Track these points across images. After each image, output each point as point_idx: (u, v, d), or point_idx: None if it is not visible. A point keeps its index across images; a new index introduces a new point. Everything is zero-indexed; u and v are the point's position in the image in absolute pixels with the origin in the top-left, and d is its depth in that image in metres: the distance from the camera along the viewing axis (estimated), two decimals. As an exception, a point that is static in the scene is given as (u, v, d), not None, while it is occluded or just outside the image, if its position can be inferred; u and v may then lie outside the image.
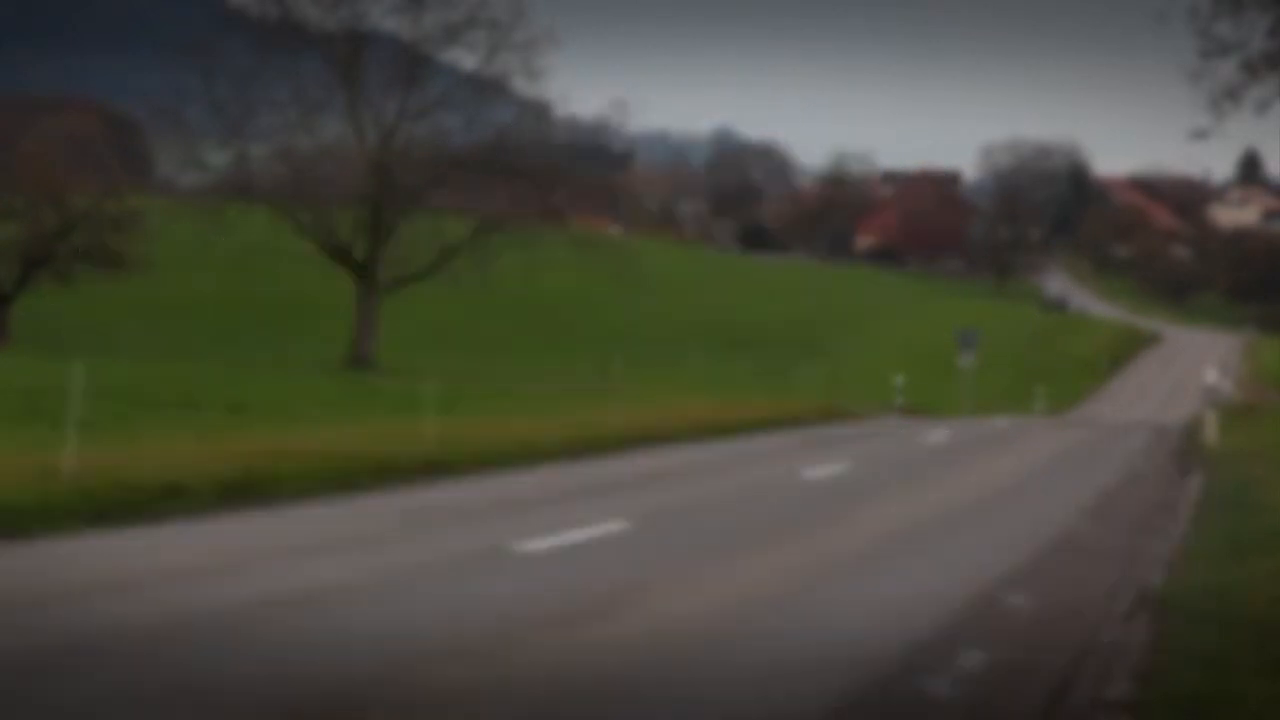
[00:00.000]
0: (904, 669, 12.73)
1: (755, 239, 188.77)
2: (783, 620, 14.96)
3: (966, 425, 58.54)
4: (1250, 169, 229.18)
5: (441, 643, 13.07)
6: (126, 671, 11.70)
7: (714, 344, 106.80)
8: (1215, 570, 17.65)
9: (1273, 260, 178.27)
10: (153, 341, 79.79)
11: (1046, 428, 59.10)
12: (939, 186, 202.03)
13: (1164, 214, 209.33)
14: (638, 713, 11.27)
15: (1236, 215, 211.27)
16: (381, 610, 14.58)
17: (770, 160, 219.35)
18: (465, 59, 80.00)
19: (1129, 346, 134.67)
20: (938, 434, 49.54)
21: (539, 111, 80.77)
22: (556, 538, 19.42)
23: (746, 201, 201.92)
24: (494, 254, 74.93)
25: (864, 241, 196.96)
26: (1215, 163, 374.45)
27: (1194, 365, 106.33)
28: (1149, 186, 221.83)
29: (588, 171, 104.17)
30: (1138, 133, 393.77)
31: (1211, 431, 45.37)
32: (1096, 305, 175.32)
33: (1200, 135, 25.21)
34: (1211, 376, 57.56)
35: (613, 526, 20.97)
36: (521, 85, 78.13)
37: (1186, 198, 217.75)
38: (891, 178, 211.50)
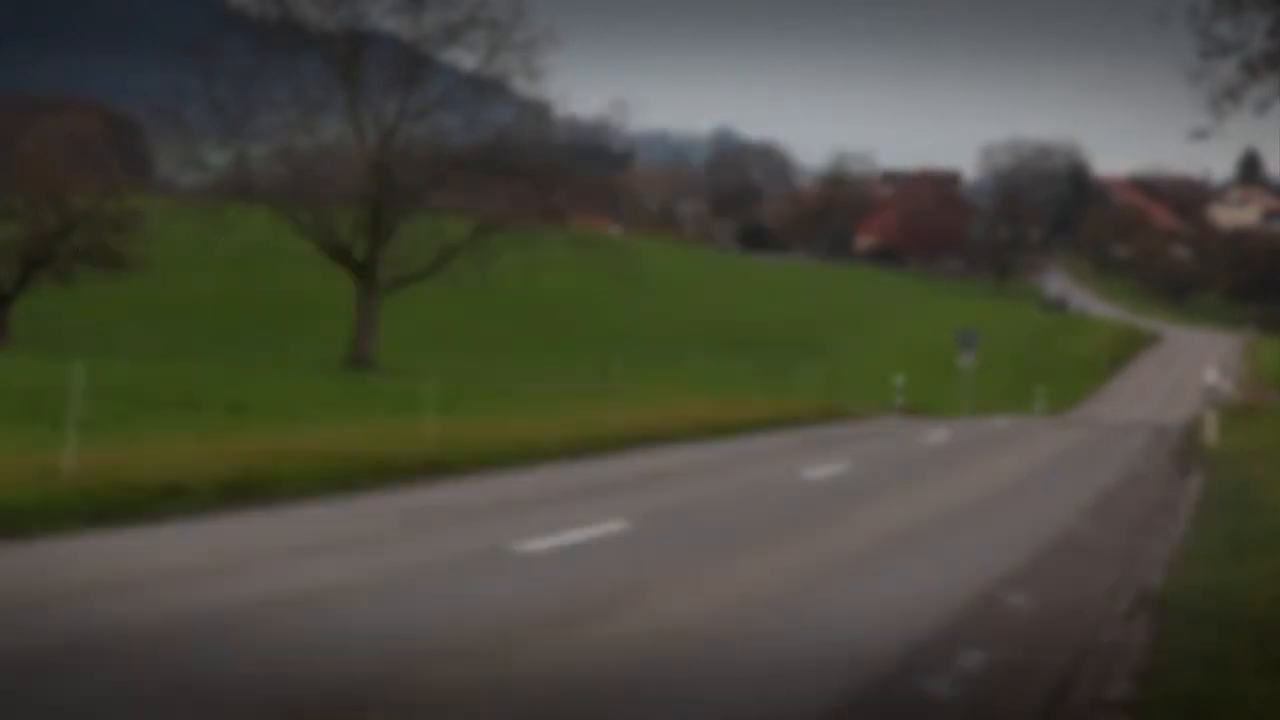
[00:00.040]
0: (904, 669, 12.73)
1: (755, 239, 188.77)
2: (783, 620, 14.96)
3: (966, 425, 58.54)
4: (1250, 169, 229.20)
5: (441, 643, 13.07)
6: (126, 671, 11.70)
7: (714, 344, 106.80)
8: (1215, 570, 17.65)
9: (1273, 260, 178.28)
10: (153, 341, 79.79)
11: (1046, 428, 59.10)
12: (939, 186, 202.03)
13: (1164, 214, 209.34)
14: (638, 713, 11.27)
15: (1236, 215, 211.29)
16: (381, 610, 14.58)
17: (770, 160, 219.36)
18: (465, 59, 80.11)
19: (1129, 346, 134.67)
20: (938, 434, 49.53)
21: (539, 111, 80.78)
22: (556, 538, 19.42)
23: (746, 201, 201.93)
24: (494, 254, 74.92)
25: (864, 241, 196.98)
26: (1215, 163, 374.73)
27: (1194, 365, 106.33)
28: (1149, 186, 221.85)
29: (588, 171, 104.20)
30: (1138, 133, 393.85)
31: (1211, 431, 45.37)
32: (1096, 305, 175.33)
33: (1200, 135, 25.21)
34: (1211, 376, 57.56)
35: (613, 526, 20.97)
36: (521, 85, 78.22)
37: (1186, 198, 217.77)
38: (891, 178, 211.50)
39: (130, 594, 14.84)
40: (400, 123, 76.98)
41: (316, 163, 77.41)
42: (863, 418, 61.55)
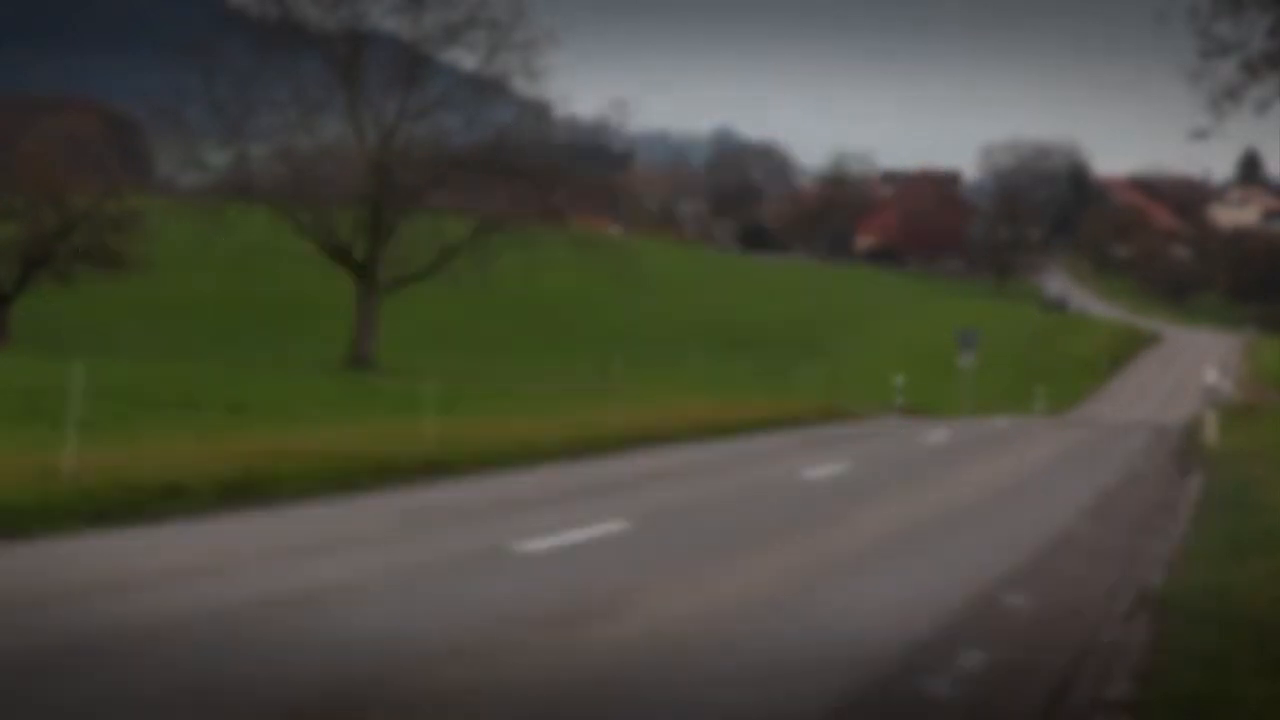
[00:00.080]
0: (904, 669, 12.73)
1: (755, 239, 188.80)
2: (783, 620, 14.96)
3: (966, 425, 58.54)
4: (1250, 169, 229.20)
5: (441, 643, 13.07)
6: (126, 671, 11.70)
7: (714, 344, 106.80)
8: (1215, 570, 17.65)
9: (1273, 260, 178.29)
10: (153, 341, 79.79)
11: (1046, 428, 59.11)
12: (939, 186, 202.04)
13: (1164, 214, 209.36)
14: (638, 713, 11.27)
15: (1236, 215, 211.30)
16: (381, 610, 14.58)
17: (770, 160, 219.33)
18: (465, 59, 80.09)
19: (1129, 346, 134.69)
20: (938, 434, 49.53)
21: (539, 111, 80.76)
22: (556, 538, 19.42)
23: (746, 201, 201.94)
24: (494, 254, 74.92)
25: (864, 241, 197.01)
26: (1215, 163, 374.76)
27: (1194, 365, 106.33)
28: (1149, 186, 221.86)
29: (588, 171, 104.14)
30: (1138, 133, 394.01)
31: (1211, 431, 45.37)
32: (1096, 305, 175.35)
33: (1200, 135, 25.22)
34: (1211, 376, 57.56)
35: (613, 526, 20.97)
36: (521, 85, 78.21)
37: (1186, 198, 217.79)
38: (891, 178, 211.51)
39: (130, 594, 14.84)
40: (400, 123, 76.98)
41: (316, 163, 77.41)
42: (863, 418, 61.54)
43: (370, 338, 75.20)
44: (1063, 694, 12.02)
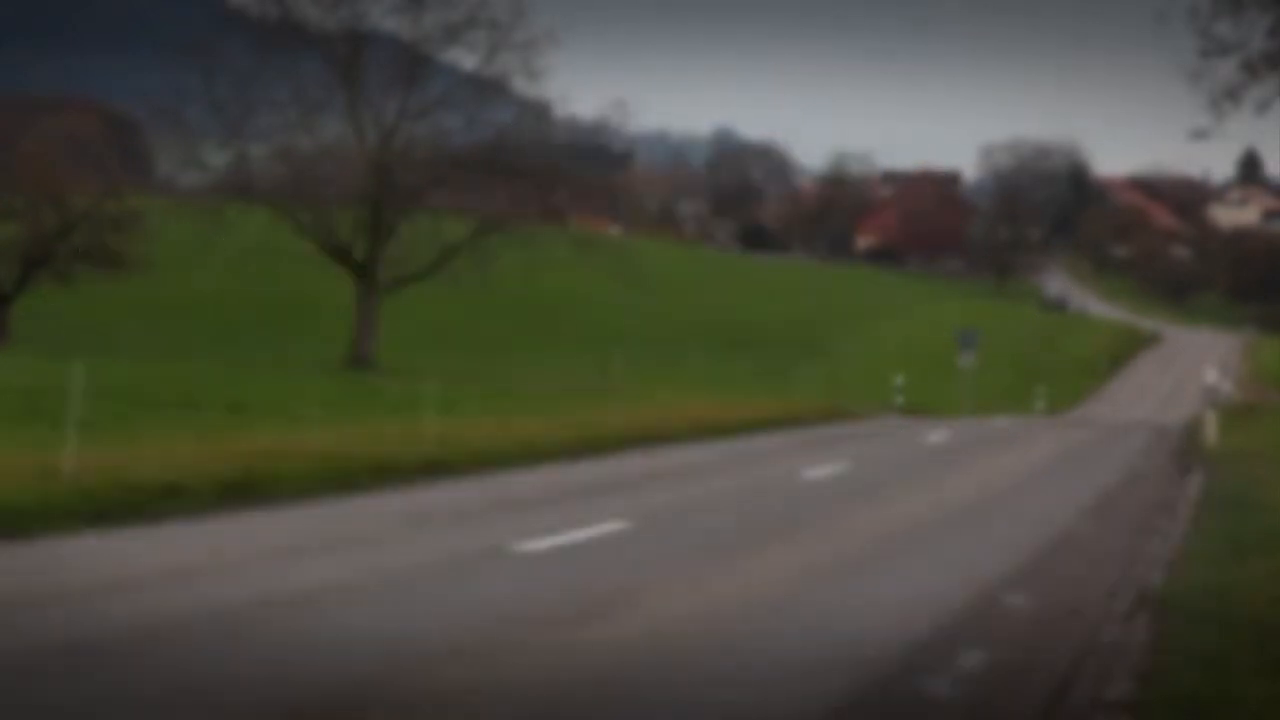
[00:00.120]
0: (904, 669, 12.73)
1: (755, 239, 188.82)
2: (783, 620, 14.96)
3: (966, 425, 58.55)
4: (1250, 169, 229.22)
5: (441, 643, 13.07)
6: (126, 671, 11.69)
7: (714, 344, 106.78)
8: (1215, 570, 17.65)
9: (1273, 260, 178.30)
10: (153, 341, 79.76)
11: (1046, 428, 59.11)
12: (939, 186, 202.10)
13: (1164, 214, 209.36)
14: (638, 713, 11.27)
15: (1236, 215, 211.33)
16: (381, 610, 14.58)
17: (770, 160, 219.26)
18: (465, 59, 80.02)
19: (1129, 346, 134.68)
20: (938, 434, 49.54)
21: (539, 111, 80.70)
22: (556, 538, 19.42)
23: (746, 201, 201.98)
24: (494, 254, 74.87)
25: (864, 241, 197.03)
26: (1215, 163, 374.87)
27: (1194, 365, 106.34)
28: (1149, 186, 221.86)
29: (588, 171, 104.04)
30: (1138, 133, 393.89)
31: (1211, 431, 45.37)
32: (1096, 305, 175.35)
33: (1200, 135, 25.21)
34: (1211, 376, 57.57)
35: (613, 526, 20.97)
36: (521, 85, 78.14)
37: (1186, 198, 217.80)
38: (891, 178, 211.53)
39: (130, 594, 14.84)
40: (400, 123, 76.95)
41: (316, 163, 77.37)
42: (863, 418, 61.56)
43: (370, 338, 75.18)
44: (1063, 694, 12.02)
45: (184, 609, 14.13)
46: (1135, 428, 61.46)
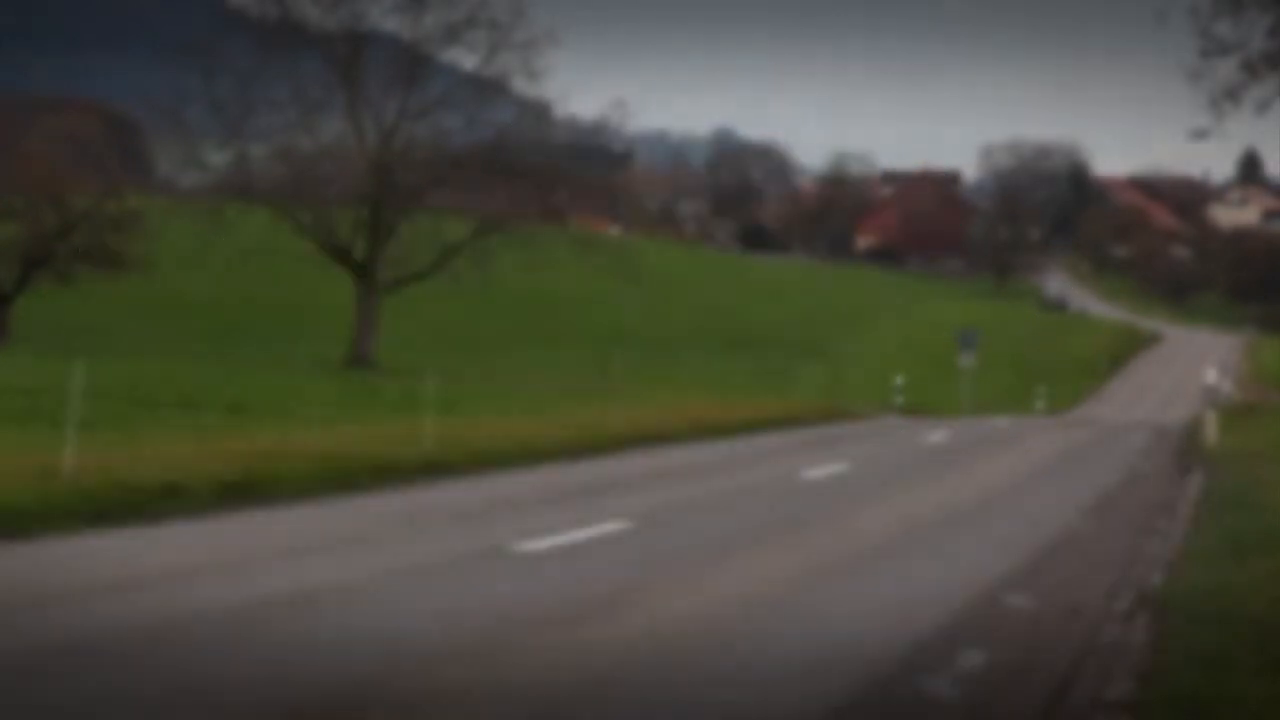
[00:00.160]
0: (904, 669, 12.73)
1: (755, 239, 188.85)
2: (783, 620, 14.96)
3: (966, 425, 58.55)
4: (1250, 169, 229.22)
5: (441, 643, 13.06)
6: (126, 671, 11.69)
7: (714, 344, 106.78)
8: (1215, 570, 17.64)
9: (1273, 260, 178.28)
10: (153, 341, 79.75)
11: (1046, 428, 59.10)
12: (939, 186, 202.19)
13: (1164, 214, 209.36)
14: (638, 713, 11.27)
15: (1236, 215, 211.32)
16: (381, 610, 14.57)
17: (770, 160, 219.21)
18: (465, 59, 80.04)
19: (1129, 346, 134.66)
20: (938, 434, 49.54)
21: (539, 111, 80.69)
22: (556, 538, 19.42)
23: (746, 201, 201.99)
24: (494, 254, 74.91)
25: (864, 241, 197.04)
26: (1215, 163, 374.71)
27: (1194, 365, 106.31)
28: (1149, 186, 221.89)
29: (588, 171, 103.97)
30: (1138, 133, 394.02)
31: (1211, 431, 45.36)
32: (1096, 305, 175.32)
33: (1200, 135, 25.22)
34: (1211, 376, 57.57)
35: (613, 526, 20.97)
36: (521, 85, 78.16)
37: (1186, 198, 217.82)
38: (891, 178, 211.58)
39: (130, 594, 14.84)
40: (400, 123, 76.97)
41: (316, 163, 77.38)
42: (863, 418, 61.55)
43: (370, 337, 75.19)
44: (1063, 694, 12.02)
45: (184, 609, 14.12)
46: (1135, 428, 61.46)
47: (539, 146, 79.60)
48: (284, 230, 74.93)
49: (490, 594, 15.57)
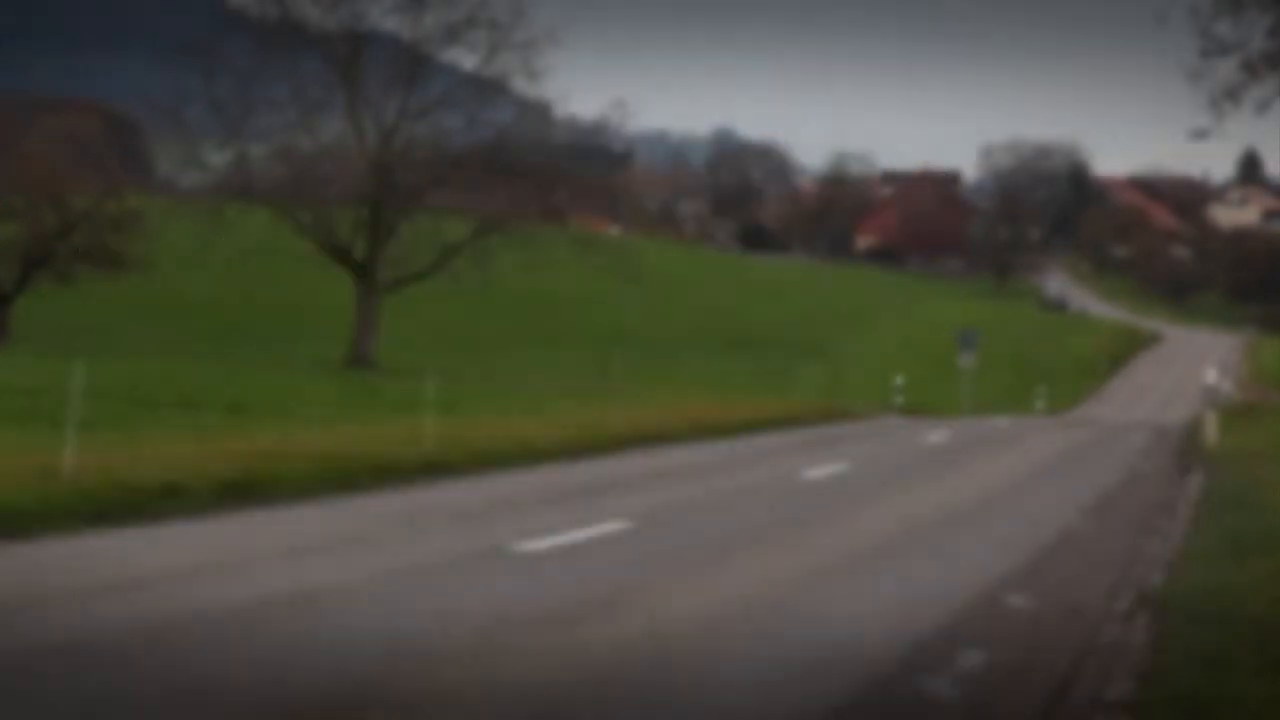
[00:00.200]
0: (904, 669, 12.73)
1: (755, 239, 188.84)
2: (783, 620, 14.96)
3: (966, 425, 58.55)
4: (1250, 169, 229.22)
5: (441, 643, 13.06)
6: (126, 671, 11.69)
7: (714, 344, 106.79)
8: (1215, 570, 17.65)
9: (1273, 260, 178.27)
10: (153, 341, 79.76)
11: (1046, 428, 59.11)
12: (939, 186, 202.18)
13: (1164, 214, 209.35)
14: (638, 713, 11.27)
15: (1236, 215, 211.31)
16: (381, 610, 14.57)
17: (770, 160, 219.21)
18: (465, 59, 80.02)
19: (1129, 346, 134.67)
20: (938, 434, 49.54)
21: (539, 111, 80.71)
22: (556, 538, 19.42)
23: (746, 201, 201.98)
24: (494, 254, 74.92)
25: (864, 241, 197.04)
26: (1215, 163, 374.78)
27: (1194, 365, 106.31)
28: (1149, 186, 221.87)
29: (588, 171, 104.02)
30: (1138, 133, 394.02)
31: (1211, 431, 45.36)
32: (1096, 305, 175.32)
33: (1200, 135, 25.19)
34: (1211, 376, 57.56)
35: (613, 526, 20.97)
36: (521, 85, 78.15)
37: (1186, 198, 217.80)
38: (891, 178, 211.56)
39: (130, 594, 14.83)
40: (400, 123, 76.96)
41: (316, 163, 77.37)
42: (863, 418, 61.56)
43: (370, 337, 75.19)
44: (1063, 694, 12.02)
45: (184, 609, 14.12)
46: (1135, 428, 61.47)
47: (539, 146, 79.61)
48: (284, 230, 74.92)
49: (490, 594, 15.57)
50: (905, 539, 21.83)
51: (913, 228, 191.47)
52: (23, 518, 18.45)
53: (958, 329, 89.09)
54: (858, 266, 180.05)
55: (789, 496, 27.39)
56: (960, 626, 14.74)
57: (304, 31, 75.88)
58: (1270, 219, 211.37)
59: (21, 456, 22.58)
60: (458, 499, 24.66)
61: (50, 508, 19.09)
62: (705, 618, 14.78)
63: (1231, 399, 70.45)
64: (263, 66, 74.49)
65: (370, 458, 27.20)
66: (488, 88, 79.33)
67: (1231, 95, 24.56)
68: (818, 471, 31.96)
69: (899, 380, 72.14)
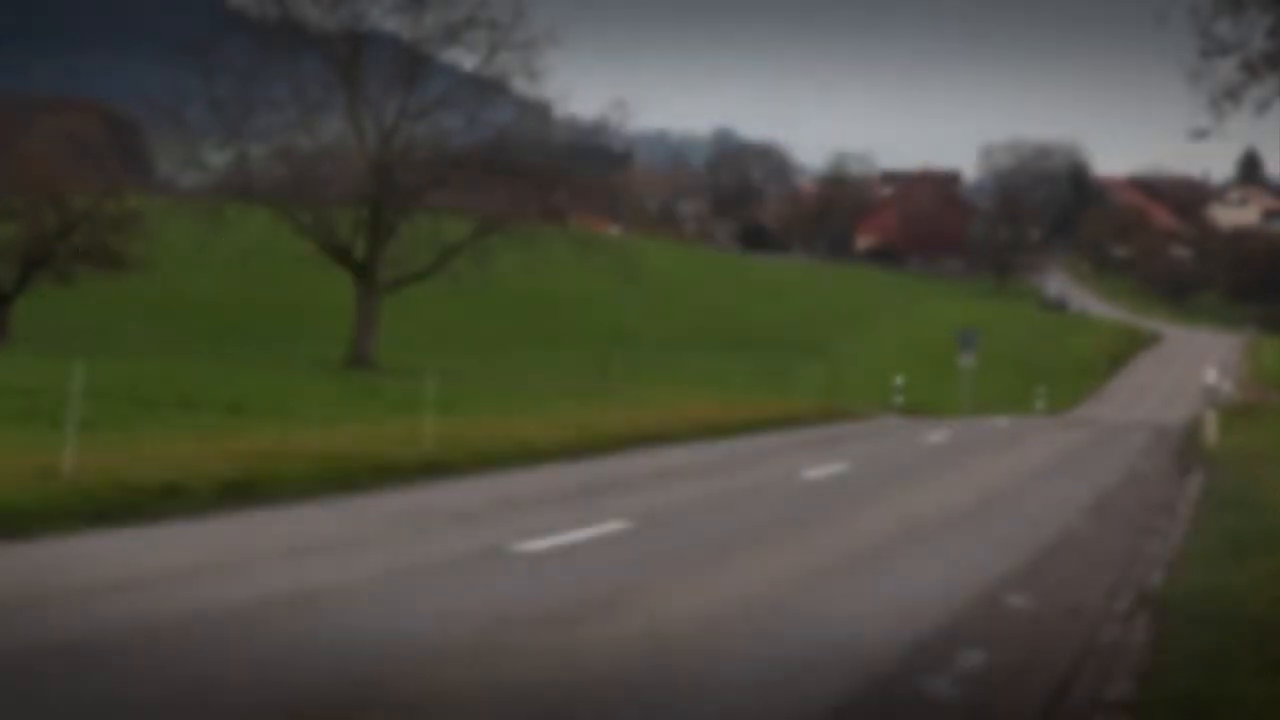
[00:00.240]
0: (904, 669, 12.73)
1: (755, 239, 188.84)
2: (783, 620, 14.96)
3: (966, 425, 58.55)
4: (1250, 169, 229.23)
5: (441, 643, 13.06)
6: (126, 671, 11.69)
7: (714, 344, 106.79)
8: (1215, 570, 17.64)
9: (1273, 260, 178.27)
10: (153, 341, 79.76)
11: (1046, 428, 59.10)
12: (939, 186, 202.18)
13: (1164, 214, 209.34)
14: (637, 713, 11.27)
15: (1236, 215, 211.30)
16: (381, 610, 14.57)
17: (770, 160, 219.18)
18: (465, 59, 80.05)
19: (1129, 346, 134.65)
20: (938, 434, 49.54)
21: (539, 111, 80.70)
22: (556, 538, 19.42)
23: (746, 201, 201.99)
24: (494, 254, 74.92)
25: (864, 241, 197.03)
26: (1215, 163, 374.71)
27: (1194, 365, 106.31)
28: (1149, 186, 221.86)
29: (588, 171, 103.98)
30: (1138, 133, 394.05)
31: (1211, 431, 45.36)
32: (1096, 305, 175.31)
33: (1200, 135, 25.19)
34: (1211, 376, 57.55)
35: (613, 526, 20.97)
36: (521, 85, 78.15)
37: (1186, 198, 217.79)
38: (891, 178, 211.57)
39: (130, 594, 14.83)
40: (400, 123, 76.97)
41: (316, 163, 77.37)
42: (863, 418, 61.56)
43: (370, 337, 75.19)
44: (1063, 694, 12.02)
45: (184, 609, 14.12)
46: (1135, 428, 61.46)
47: (539, 146, 79.61)
48: (284, 230, 74.92)
49: (490, 594, 15.57)
50: (905, 539, 21.83)
51: (913, 228, 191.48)
52: (23, 518, 18.45)
53: (957, 329, 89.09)
54: (858, 266, 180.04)
55: (789, 496, 27.39)
56: (960, 626, 14.74)
57: (304, 31, 75.89)
58: (1270, 219, 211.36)
59: (21, 456, 22.58)
60: (458, 499, 24.65)
61: (50, 508, 19.09)
62: (705, 618, 14.78)
63: (1231, 399, 70.45)
64: (263, 66, 74.49)
65: (370, 458, 27.19)
66: (488, 88, 79.33)
67: (1231, 95, 24.56)
68: (818, 471, 31.96)
69: (899, 380, 72.14)
